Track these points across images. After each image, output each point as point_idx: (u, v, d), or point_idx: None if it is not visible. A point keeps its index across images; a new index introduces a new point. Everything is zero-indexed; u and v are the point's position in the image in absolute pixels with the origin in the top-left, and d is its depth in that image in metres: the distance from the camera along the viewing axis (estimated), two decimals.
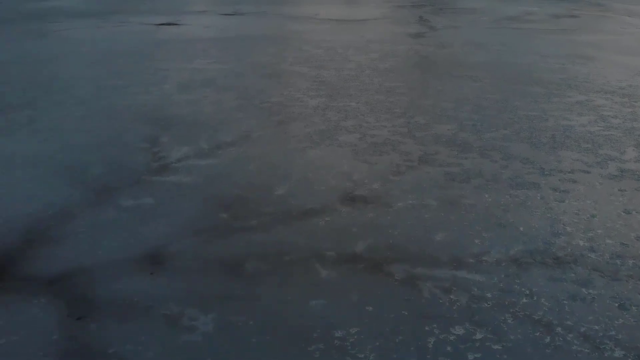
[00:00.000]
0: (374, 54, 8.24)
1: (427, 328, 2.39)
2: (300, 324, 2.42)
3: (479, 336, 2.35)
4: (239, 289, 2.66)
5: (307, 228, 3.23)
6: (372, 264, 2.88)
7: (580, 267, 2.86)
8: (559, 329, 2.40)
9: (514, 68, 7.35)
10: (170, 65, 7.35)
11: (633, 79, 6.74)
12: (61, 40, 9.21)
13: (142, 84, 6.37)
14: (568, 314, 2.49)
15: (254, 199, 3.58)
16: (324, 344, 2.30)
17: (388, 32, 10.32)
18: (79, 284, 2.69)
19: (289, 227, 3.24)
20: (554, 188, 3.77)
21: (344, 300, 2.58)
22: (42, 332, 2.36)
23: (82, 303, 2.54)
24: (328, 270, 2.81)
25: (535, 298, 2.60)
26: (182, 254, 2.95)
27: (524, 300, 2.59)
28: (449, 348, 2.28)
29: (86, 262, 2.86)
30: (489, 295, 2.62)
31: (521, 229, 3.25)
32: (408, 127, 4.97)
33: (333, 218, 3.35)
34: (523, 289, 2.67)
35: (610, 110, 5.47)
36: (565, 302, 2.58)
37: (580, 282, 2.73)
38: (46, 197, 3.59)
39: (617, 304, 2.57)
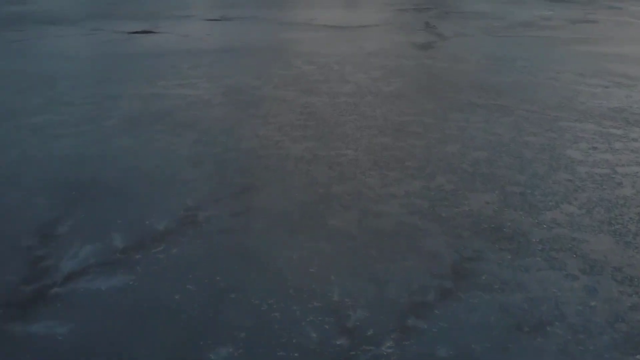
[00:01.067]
0: (376, 72, 6.53)
1: None
2: None
3: None
4: None
5: None
6: None
7: None
8: None
9: (550, 93, 5.64)
10: (125, 90, 5.64)
11: None
12: (10, 54, 7.50)
13: (77, 120, 4.68)
14: None
15: None
16: None
17: (391, 41, 8.60)
18: None
19: None
20: None
21: None
22: None
23: None
24: None
25: None
26: None
27: None
28: None
29: None
30: None
31: None
32: (429, 199, 3.28)
33: None
34: None
35: None
36: None
37: None
38: None
39: None
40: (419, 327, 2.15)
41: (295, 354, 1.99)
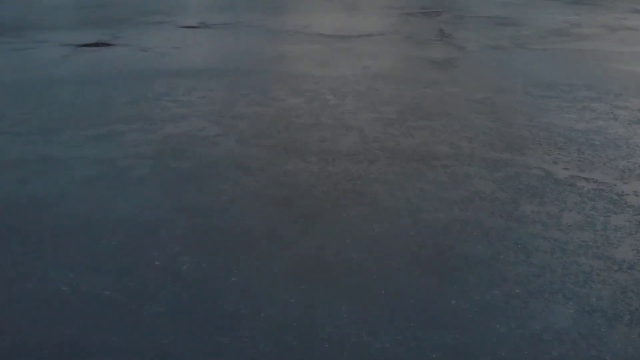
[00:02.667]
0: (388, 109, 4.30)
1: None
2: None
3: None
4: None
5: None
6: None
7: None
8: None
9: None
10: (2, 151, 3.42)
11: None
12: None
13: None
14: None
15: None
16: None
17: (402, 57, 6.34)
18: None
19: None
20: None
21: None
22: None
23: None
24: None
25: None
26: None
27: None
28: None
29: None
30: None
31: None
32: None
33: None
34: None
35: None
36: None
37: None
38: None
39: None
40: None
41: None
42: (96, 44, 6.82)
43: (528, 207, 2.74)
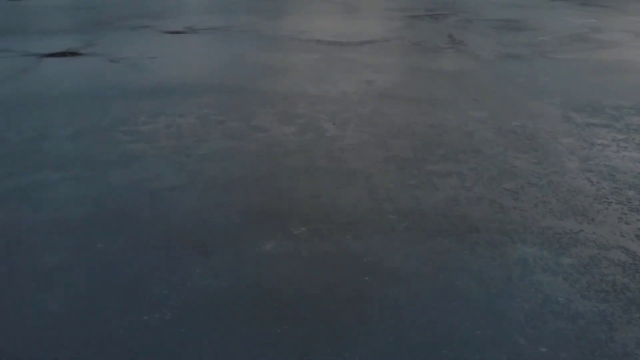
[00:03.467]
0: (401, 143, 3.25)
1: None
2: None
3: None
4: None
5: None
6: None
7: None
8: None
9: None
10: None
11: None
12: None
13: None
14: None
15: None
16: None
17: (411, 69, 5.27)
18: None
19: None
20: None
21: None
22: None
23: None
24: None
25: None
26: None
27: None
28: None
29: None
30: None
31: None
32: None
33: None
34: None
35: None
36: None
37: None
38: None
39: None
40: None
41: None
42: (63, 54, 5.75)
43: (631, 335, 1.70)
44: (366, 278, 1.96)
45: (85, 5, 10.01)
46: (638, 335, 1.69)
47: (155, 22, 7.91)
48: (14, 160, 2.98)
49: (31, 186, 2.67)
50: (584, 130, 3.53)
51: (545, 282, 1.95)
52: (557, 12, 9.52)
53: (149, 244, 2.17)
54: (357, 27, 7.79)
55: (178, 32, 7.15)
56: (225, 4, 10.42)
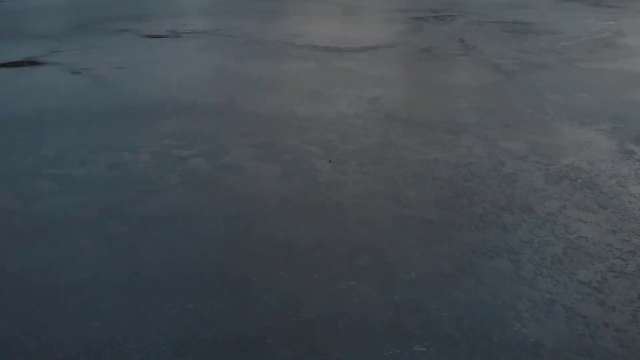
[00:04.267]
0: (419, 195, 2.28)
1: None
2: None
3: None
4: None
5: None
6: None
7: None
8: None
9: None
10: None
11: None
12: None
13: None
14: None
15: None
16: None
17: (422, 82, 4.30)
18: None
19: None
20: None
21: None
22: None
23: None
24: None
25: None
26: None
27: None
28: None
29: None
30: None
31: None
32: None
33: None
34: None
35: None
36: None
37: None
38: None
39: None
40: None
41: None
42: (20, 63, 4.79)
43: None
44: None
45: (70, 5, 9.02)
46: None
47: (137, 25, 6.92)
48: None
49: None
50: None
51: None
52: (570, 13, 8.52)
53: None
54: (358, 31, 6.81)
55: (159, 37, 6.17)
56: (220, 4, 9.42)
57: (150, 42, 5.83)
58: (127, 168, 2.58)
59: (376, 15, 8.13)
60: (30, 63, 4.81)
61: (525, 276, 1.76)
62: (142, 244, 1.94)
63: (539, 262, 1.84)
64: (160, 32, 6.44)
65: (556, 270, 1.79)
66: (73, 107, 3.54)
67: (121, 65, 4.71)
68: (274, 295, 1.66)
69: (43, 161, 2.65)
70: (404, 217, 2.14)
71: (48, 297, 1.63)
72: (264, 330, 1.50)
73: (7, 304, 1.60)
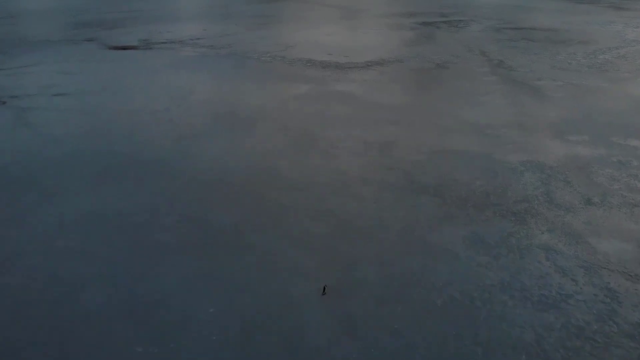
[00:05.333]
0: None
1: None
2: None
3: None
4: None
5: None
6: None
7: None
8: None
9: None
10: None
11: None
12: None
13: None
14: None
15: None
16: None
17: (447, 118, 3.09)
18: None
19: None
20: None
21: None
22: None
23: None
24: None
25: None
26: None
27: None
28: None
29: None
30: None
31: None
32: None
33: None
34: None
35: None
36: None
37: None
38: None
39: None
40: None
41: None
42: None
43: None
44: None
45: (43, 9, 7.77)
46: None
47: (107, 33, 5.68)
48: None
49: None
50: None
51: None
52: (593, 18, 7.27)
53: None
54: (360, 39, 5.58)
55: (127, 48, 4.95)
56: (210, 7, 8.17)
57: (113, 56, 4.61)
58: None
59: (379, 21, 6.88)
60: None
61: None
62: None
63: None
64: (130, 42, 5.21)
65: None
66: None
67: (61, 91, 3.49)
68: None
69: None
70: None
71: None
72: None
73: None
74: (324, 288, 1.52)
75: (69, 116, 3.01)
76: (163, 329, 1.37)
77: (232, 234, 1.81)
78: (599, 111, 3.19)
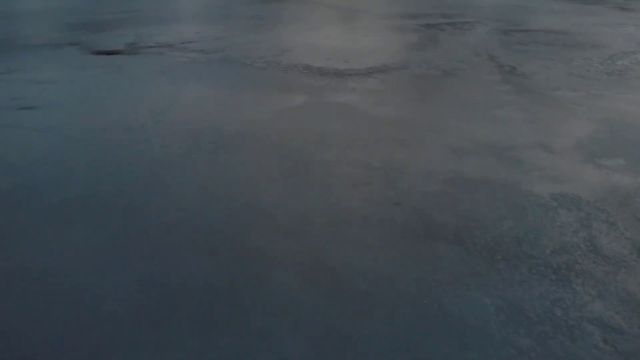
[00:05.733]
0: None
1: None
2: None
3: None
4: None
5: None
6: None
7: None
8: None
9: None
10: None
11: None
12: None
13: None
14: None
15: None
16: None
17: (459, 137, 2.66)
18: None
19: None
20: None
21: None
22: None
23: None
24: None
25: None
26: None
27: None
28: None
29: None
30: None
31: None
32: None
33: None
34: None
35: None
36: None
37: None
38: None
39: None
40: None
41: None
42: None
43: None
44: None
45: (31, 9, 7.33)
46: None
47: (93, 36, 5.25)
48: None
49: None
50: None
51: None
52: (601, 19, 6.83)
53: None
54: (360, 42, 5.15)
55: (112, 53, 4.52)
56: (207, 7, 7.73)
57: (95, 62, 4.18)
58: None
59: (380, 22, 6.44)
60: None
61: None
62: None
63: None
64: (116, 46, 4.78)
65: None
66: None
67: (29, 103, 3.07)
68: None
69: None
70: None
71: None
72: None
73: None
74: None
75: (30, 136, 2.59)
76: None
77: (199, 303, 1.39)
78: (629, 128, 2.77)
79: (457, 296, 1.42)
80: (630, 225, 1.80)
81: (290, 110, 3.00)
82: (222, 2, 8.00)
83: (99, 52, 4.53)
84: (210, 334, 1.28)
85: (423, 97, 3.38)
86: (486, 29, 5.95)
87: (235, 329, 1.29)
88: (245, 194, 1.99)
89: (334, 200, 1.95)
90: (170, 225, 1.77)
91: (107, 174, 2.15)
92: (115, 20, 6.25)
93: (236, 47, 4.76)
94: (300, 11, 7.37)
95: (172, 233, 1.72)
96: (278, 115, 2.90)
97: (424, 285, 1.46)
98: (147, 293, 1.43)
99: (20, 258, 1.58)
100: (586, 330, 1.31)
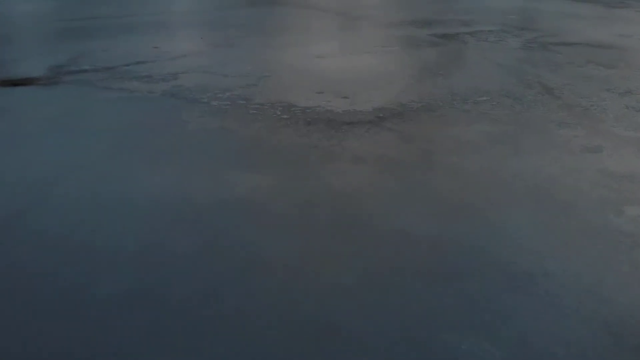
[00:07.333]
0: None
1: None
2: None
3: None
4: None
5: None
6: None
7: None
8: None
9: None
10: None
11: None
12: None
13: None
14: None
15: None
16: None
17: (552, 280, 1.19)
18: None
19: None
20: None
21: None
22: None
23: None
24: None
25: None
26: None
27: None
28: None
29: None
30: None
31: None
32: None
33: None
34: None
35: None
36: None
37: None
38: None
39: None
40: None
41: None
42: None
43: None
44: None
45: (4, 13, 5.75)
46: None
47: (16, 55, 3.72)
48: None
49: None
50: None
51: None
52: (634, 28, 5.29)
53: None
54: (364, 64, 3.62)
55: (21, 83, 3.00)
56: (188, 14, 6.15)
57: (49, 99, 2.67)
58: None
59: (387, 32, 4.89)
60: None
61: None
62: None
63: None
64: (35, 70, 3.26)
65: None
66: None
67: None
68: None
69: None
70: None
71: None
72: None
73: None
74: None
75: None
76: None
77: None
78: None
79: None
80: None
81: (235, 223, 1.50)
82: (206, 6, 6.42)
83: (3, 82, 3.01)
84: None
85: (475, 177, 1.88)
86: (517, 41, 4.41)
87: None
88: None
89: None
90: None
91: None
92: (64, 30, 4.70)
93: (195, 72, 3.23)
94: (290, 18, 5.81)
95: None
96: (211, 243, 1.40)
97: None
98: None
99: None
100: None
